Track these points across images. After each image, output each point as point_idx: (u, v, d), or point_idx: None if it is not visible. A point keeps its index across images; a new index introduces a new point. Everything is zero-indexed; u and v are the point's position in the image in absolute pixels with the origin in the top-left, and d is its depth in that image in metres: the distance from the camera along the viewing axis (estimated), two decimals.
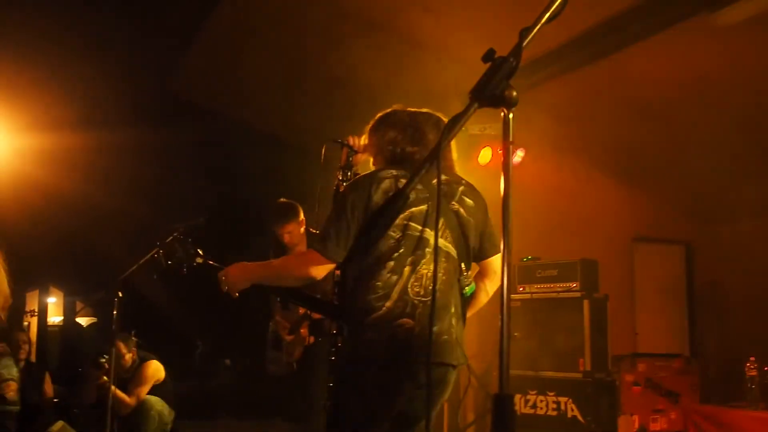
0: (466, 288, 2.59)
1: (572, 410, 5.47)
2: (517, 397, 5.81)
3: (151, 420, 5.27)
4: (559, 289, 5.80)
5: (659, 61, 5.17)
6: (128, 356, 5.40)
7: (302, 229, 4.73)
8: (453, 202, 2.59)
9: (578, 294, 5.66)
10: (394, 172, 2.56)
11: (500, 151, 5.48)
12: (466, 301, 2.63)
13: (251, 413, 8.51)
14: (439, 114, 2.82)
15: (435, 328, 2.43)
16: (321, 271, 2.53)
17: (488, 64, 1.23)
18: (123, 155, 7.45)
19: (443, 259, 2.52)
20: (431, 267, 2.46)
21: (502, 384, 1.22)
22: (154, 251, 4.82)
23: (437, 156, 1.25)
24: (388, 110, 2.81)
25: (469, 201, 2.63)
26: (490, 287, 2.73)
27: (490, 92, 1.23)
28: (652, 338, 6.71)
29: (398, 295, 2.43)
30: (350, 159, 3.15)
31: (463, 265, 2.58)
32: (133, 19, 6.29)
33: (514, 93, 1.22)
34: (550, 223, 6.25)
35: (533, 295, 5.87)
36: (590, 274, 5.82)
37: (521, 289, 6.07)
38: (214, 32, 6.11)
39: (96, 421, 5.08)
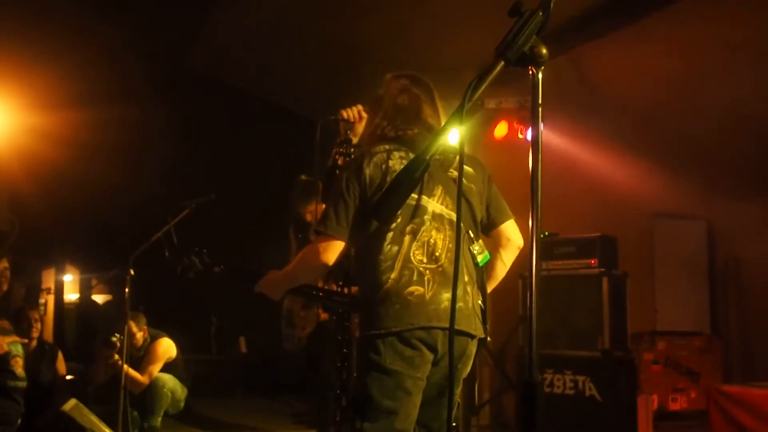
0: (479, 257, 2.52)
1: (590, 389, 5.38)
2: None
3: (164, 397, 5.27)
4: (577, 266, 5.68)
5: (684, 29, 5.02)
6: (139, 335, 5.39)
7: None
8: (450, 170, 2.54)
9: (597, 271, 5.54)
10: (387, 146, 2.54)
11: (516, 125, 5.29)
12: (481, 271, 2.56)
13: (266, 391, 8.52)
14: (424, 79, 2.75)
15: (447, 295, 2.38)
16: (331, 254, 2.49)
17: (514, 19, 1.12)
18: (134, 131, 7.40)
19: (447, 227, 2.46)
20: (433, 234, 2.42)
21: (530, 369, 1.12)
22: (165, 228, 4.80)
23: (460, 118, 1.15)
24: (380, 89, 2.74)
25: (468, 168, 2.57)
26: (506, 257, 2.66)
27: (518, 49, 1.12)
28: (673, 316, 6.58)
29: (402, 264, 2.39)
30: (348, 132, 3.08)
31: (471, 233, 2.52)
32: None
33: (544, 50, 1.11)
34: (568, 198, 6.12)
35: (551, 272, 5.75)
36: (609, 250, 5.70)
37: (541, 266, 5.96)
38: (229, 5, 5.99)
39: (109, 399, 5.08)
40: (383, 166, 2.48)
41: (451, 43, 5.75)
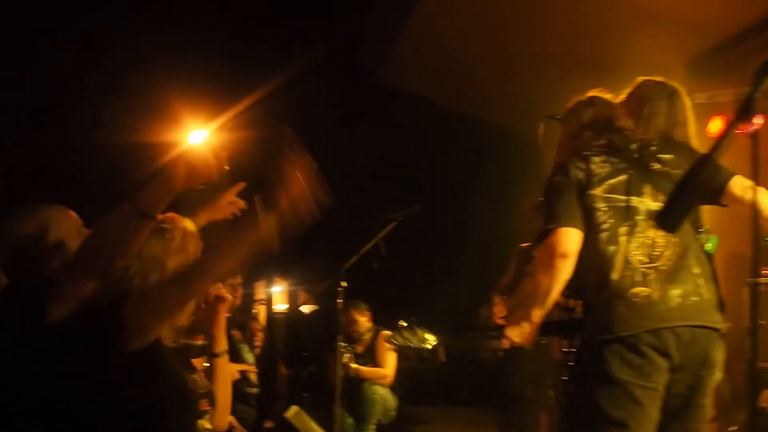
0: (707, 244, 2.45)
1: None
2: (767, 393, 5.24)
3: (377, 404, 5.41)
4: None
5: None
6: (362, 319, 5.63)
7: None
8: (652, 164, 2.48)
9: None
10: (584, 153, 2.54)
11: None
12: (712, 260, 2.46)
13: (469, 400, 8.51)
14: (655, 79, 2.74)
15: (677, 291, 2.31)
16: (570, 242, 2.40)
17: None
18: (334, 147, 7.70)
19: None
20: (650, 233, 2.35)
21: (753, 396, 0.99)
22: (374, 241, 4.95)
23: (749, 110, 1.04)
24: (582, 100, 2.73)
25: (667, 156, 2.50)
26: (761, 196, 2.36)
27: None
28: None
29: (622, 265, 2.33)
30: None
31: (694, 221, 2.46)
32: (339, 10, 6.45)
33: None
34: None
35: None
36: None
37: (766, 271, 5.45)
38: (421, 18, 6.06)
39: (324, 404, 5.31)
40: (586, 171, 2.49)
41: (652, 39, 5.44)
